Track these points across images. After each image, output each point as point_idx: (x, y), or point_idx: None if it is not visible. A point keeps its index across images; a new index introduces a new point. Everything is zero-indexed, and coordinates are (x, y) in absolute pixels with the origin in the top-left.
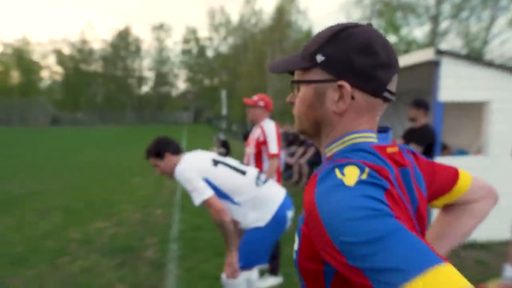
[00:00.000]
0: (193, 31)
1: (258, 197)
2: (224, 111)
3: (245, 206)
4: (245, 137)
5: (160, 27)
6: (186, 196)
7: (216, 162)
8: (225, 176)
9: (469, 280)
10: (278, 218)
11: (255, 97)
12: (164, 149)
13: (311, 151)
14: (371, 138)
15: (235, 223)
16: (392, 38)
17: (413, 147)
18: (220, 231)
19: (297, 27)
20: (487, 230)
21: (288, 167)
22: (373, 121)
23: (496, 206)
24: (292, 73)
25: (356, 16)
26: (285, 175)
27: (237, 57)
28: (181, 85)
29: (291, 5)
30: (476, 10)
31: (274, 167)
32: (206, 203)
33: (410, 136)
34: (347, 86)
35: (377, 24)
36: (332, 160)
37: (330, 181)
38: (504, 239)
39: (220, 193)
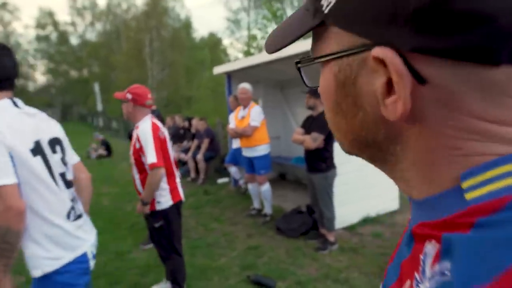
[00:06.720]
0: (49, 14)
1: (58, 232)
2: (99, 106)
3: (33, 231)
4: (130, 136)
5: (2, 6)
6: None
7: (36, 150)
8: (36, 178)
9: (370, 255)
10: (64, 276)
11: (126, 90)
12: None
13: (205, 145)
14: None
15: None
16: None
17: (316, 136)
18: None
19: (175, 14)
20: (376, 206)
21: (182, 164)
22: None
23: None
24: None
25: (235, 5)
26: (180, 172)
27: (109, 45)
28: (41, 78)
29: None
30: None
31: (156, 182)
32: None
33: (311, 124)
34: (390, 56)
35: (257, 13)
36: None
37: None
38: (388, 211)
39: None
